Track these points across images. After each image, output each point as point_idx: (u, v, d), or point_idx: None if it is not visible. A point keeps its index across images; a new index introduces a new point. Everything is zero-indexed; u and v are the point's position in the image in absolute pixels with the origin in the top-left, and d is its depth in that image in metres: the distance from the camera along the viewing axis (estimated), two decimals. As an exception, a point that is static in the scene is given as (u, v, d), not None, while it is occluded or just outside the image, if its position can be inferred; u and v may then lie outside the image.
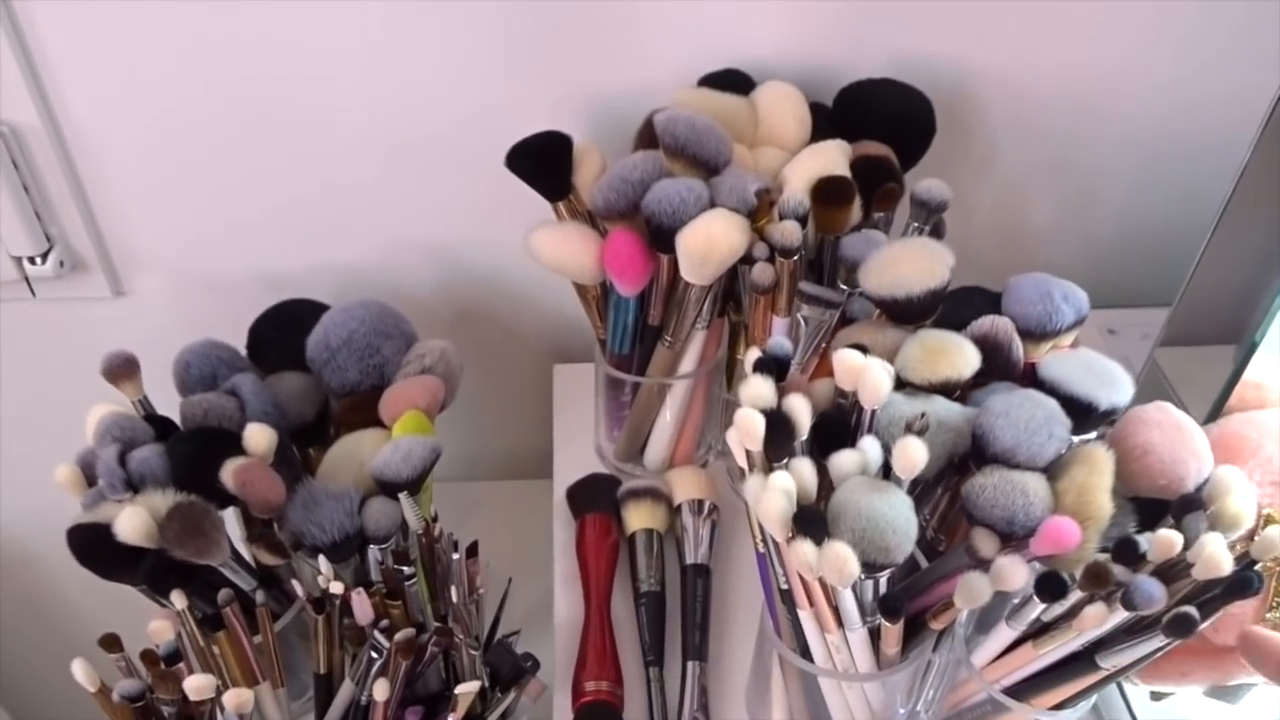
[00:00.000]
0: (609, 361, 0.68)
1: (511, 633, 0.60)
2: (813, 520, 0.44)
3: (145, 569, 0.58)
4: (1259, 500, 0.54)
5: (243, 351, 0.71)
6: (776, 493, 0.44)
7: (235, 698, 0.52)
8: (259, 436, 0.62)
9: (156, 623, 0.57)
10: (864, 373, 0.47)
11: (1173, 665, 0.60)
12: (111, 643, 0.55)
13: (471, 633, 0.59)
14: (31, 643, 1.03)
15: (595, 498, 0.70)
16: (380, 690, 0.55)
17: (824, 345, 0.62)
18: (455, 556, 0.61)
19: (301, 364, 0.70)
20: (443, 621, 0.61)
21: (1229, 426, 0.57)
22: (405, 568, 0.59)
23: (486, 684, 0.59)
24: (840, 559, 0.42)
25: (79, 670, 0.53)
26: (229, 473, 0.60)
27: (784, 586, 0.49)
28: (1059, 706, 0.51)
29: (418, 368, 0.69)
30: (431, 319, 0.75)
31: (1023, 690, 0.51)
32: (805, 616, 0.49)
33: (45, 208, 0.72)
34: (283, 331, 0.71)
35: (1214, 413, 0.60)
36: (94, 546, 0.58)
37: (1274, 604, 0.56)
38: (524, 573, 0.70)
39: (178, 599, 0.58)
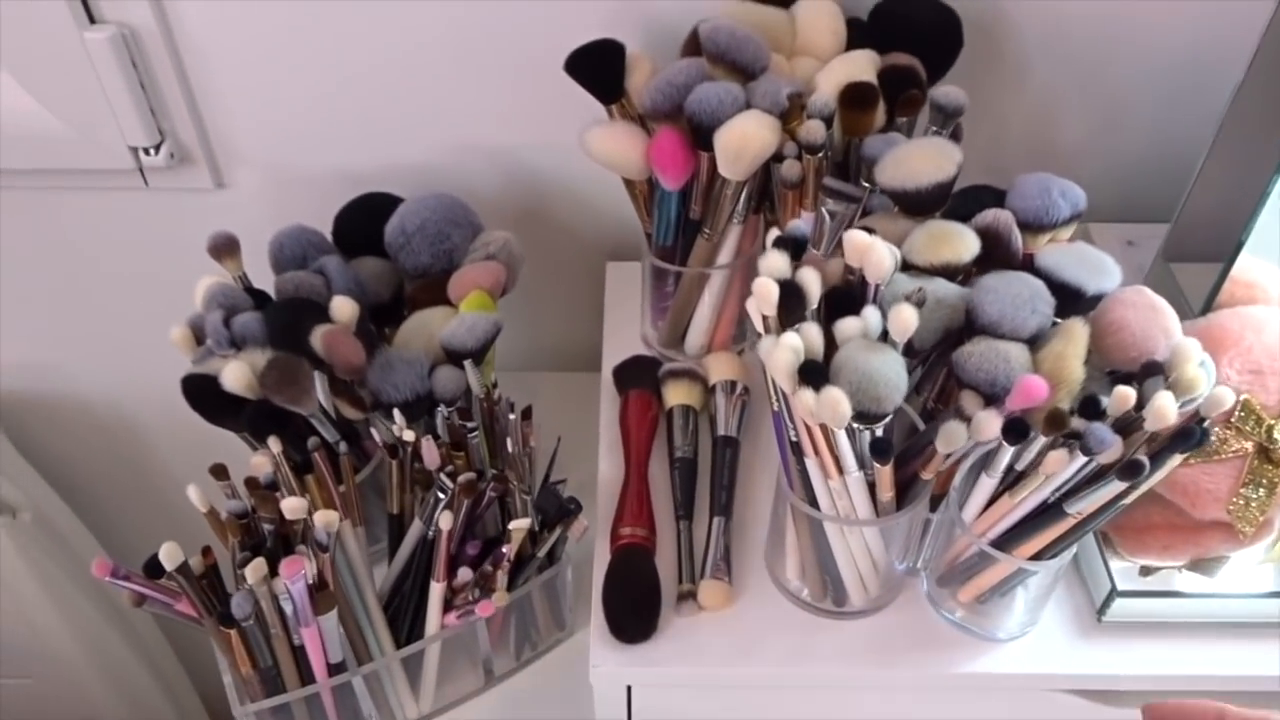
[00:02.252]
0: (654, 253, 0.75)
1: (558, 480, 0.69)
2: (814, 371, 0.51)
3: (247, 415, 0.68)
4: (1237, 387, 0.60)
5: (329, 237, 0.80)
6: (785, 349, 0.51)
7: (323, 517, 0.61)
8: (344, 307, 0.71)
9: (257, 458, 0.67)
10: (869, 250, 0.53)
11: (1156, 539, 0.66)
12: (219, 471, 0.64)
13: (524, 480, 0.68)
14: (133, 503, 1.15)
15: (639, 376, 0.77)
16: (445, 521, 0.63)
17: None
18: (512, 416, 0.69)
19: (379, 250, 0.79)
20: (499, 472, 0.69)
21: (1215, 319, 0.62)
22: (468, 423, 0.68)
23: (536, 526, 0.68)
24: (834, 400, 0.49)
25: (193, 494, 0.62)
26: (318, 337, 0.69)
27: (794, 438, 0.57)
28: (1039, 556, 0.58)
29: (483, 254, 0.77)
30: (496, 218, 0.83)
31: (1006, 542, 0.58)
32: (811, 465, 0.56)
33: (158, 103, 0.81)
34: (363, 220, 0.80)
35: (1205, 309, 0.65)
36: (203, 394, 0.68)
37: (1247, 480, 0.61)
38: (573, 452, 0.78)
39: (274, 444, 0.67)
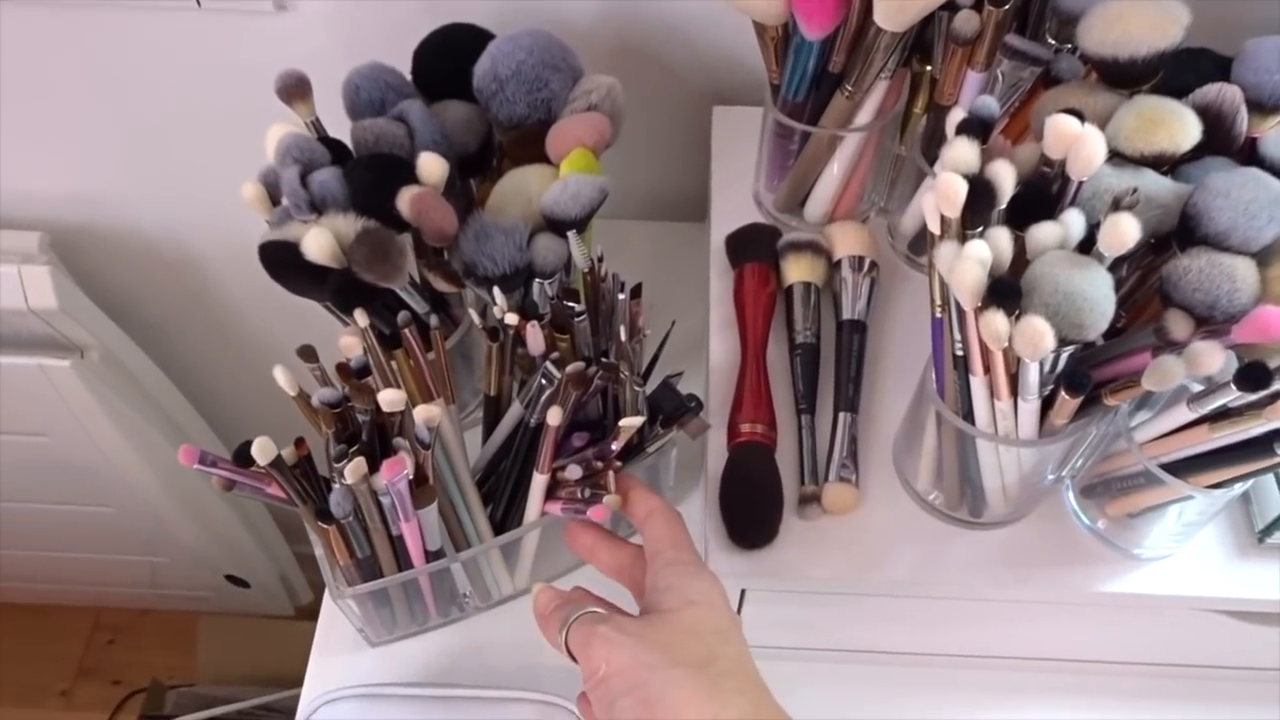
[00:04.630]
0: (780, 108, 0.66)
1: (675, 374, 0.63)
2: (1008, 292, 0.43)
3: (331, 287, 0.62)
4: None
5: (408, 76, 0.71)
6: (972, 262, 0.44)
7: (425, 411, 0.56)
8: (432, 166, 0.63)
9: (346, 339, 0.61)
10: (1080, 142, 0.44)
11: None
12: (308, 353, 0.59)
13: (636, 370, 0.62)
14: (200, 337, 1.12)
15: (755, 247, 0.70)
16: (554, 416, 0.58)
17: (1017, 105, 0.58)
18: (621, 297, 0.63)
19: (465, 92, 0.70)
20: (604, 357, 0.64)
21: None
22: (575, 304, 0.61)
23: (646, 420, 0.62)
24: (1037, 334, 0.42)
25: (281, 376, 0.57)
26: (405, 201, 0.62)
27: (959, 352, 0.50)
28: (1215, 486, 0.52)
29: (584, 104, 0.68)
30: (588, 54, 0.73)
31: (1183, 467, 0.52)
32: (977, 383, 0.50)
33: (210, -86, 0.70)
34: (447, 58, 0.70)
35: None
36: (283, 263, 0.61)
37: None
38: (672, 314, 0.72)
39: (360, 317, 0.61)
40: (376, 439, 0.58)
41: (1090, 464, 0.59)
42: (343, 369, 0.59)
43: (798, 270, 0.68)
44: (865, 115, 0.64)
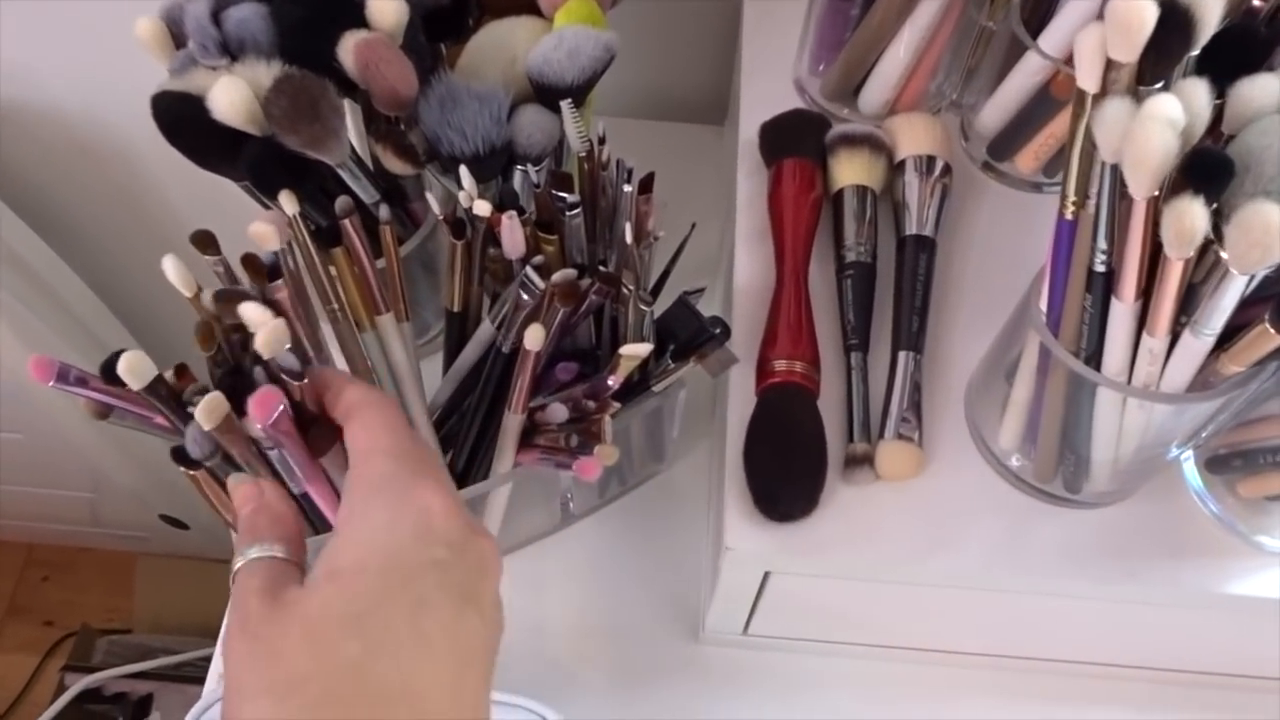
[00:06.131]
0: (841, -43, 0.51)
1: (694, 290, 0.49)
2: (1216, 167, 0.29)
3: (248, 157, 0.47)
4: None
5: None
6: (1159, 124, 0.30)
7: (268, 334, 0.38)
8: (386, 6, 0.48)
9: (259, 224, 0.46)
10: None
11: None
12: (204, 241, 0.44)
13: (643, 284, 0.48)
14: (129, 241, 0.97)
15: (798, 139, 0.55)
16: (533, 338, 0.44)
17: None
18: (627, 189, 0.48)
19: (437, -72, 0.55)
20: (602, 266, 0.50)
21: None
22: (566, 194, 0.47)
23: (654, 349, 0.48)
24: (1272, 227, 0.28)
25: (171, 269, 0.43)
26: (349, 48, 0.47)
27: (1099, 267, 0.36)
28: None
29: (588, -60, 0.53)
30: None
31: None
32: (1121, 311, 0.36)
33: None
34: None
35: None
36: (184, 121, 0.47)
37: None
38: (685, 228, 0.58)
39: (287, 201, 0.47)
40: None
41: (1219, 429, 0.46)
42: (250, 263, 0.44)
43: (851, 171, 0.53)
44: (951, -32, 0.50)
